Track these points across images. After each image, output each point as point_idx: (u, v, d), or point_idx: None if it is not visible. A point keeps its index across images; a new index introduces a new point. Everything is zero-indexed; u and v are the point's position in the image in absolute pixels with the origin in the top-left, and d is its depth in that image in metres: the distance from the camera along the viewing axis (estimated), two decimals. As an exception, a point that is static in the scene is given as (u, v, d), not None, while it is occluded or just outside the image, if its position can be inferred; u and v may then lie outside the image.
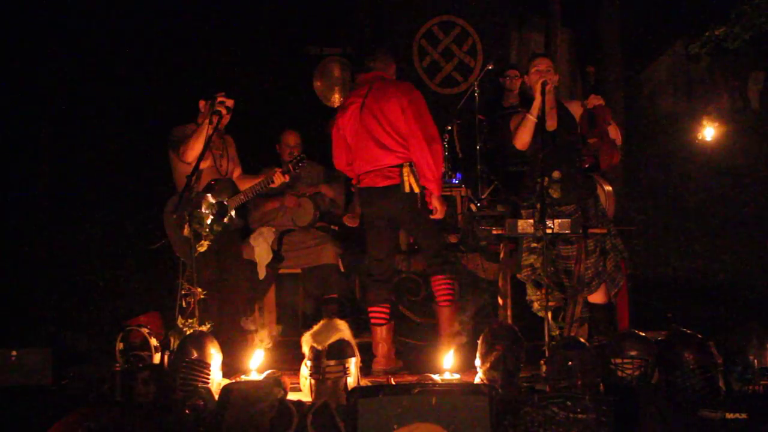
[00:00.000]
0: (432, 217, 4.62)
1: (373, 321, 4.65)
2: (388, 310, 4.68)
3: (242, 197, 4.74)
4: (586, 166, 4.46)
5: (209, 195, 4.60)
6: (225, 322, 4.61)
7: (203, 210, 4.50)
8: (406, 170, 4.52)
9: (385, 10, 7.58)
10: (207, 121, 4.43)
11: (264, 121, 6.84)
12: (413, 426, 3.06)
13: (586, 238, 4.38)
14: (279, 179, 4.84)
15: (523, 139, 4.40)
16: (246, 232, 5.35)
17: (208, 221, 4.45)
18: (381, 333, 4.63)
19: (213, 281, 4.59)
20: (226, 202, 4.65)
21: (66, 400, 3.77)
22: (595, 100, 4.38)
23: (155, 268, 5.95)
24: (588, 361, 3.58)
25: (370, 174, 4.61)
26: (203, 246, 4.39)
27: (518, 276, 4.53)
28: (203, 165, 4.58)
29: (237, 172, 4.93)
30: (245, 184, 4.83)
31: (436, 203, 4.58)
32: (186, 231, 4.27)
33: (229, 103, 4.59)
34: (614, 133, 4.45)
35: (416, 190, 4.53)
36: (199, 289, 4.25)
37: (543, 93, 4.27)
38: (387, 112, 4.54)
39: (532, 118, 4.33)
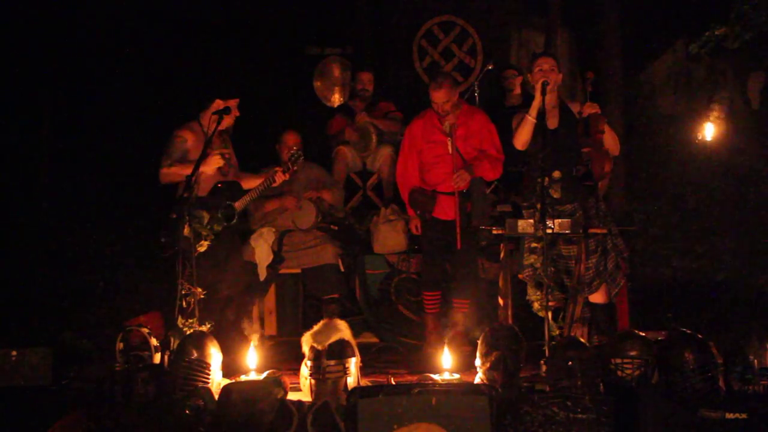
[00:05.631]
0: None
1: None
2: None
3: (248, 198, 4.77)
4: (579, 174, 4.46)
5: (216, 198, 4.62)
6: (227, 320, 4.60)
7: (214, 214, 4.50)
8: None
9: (385, 10, 7.59)
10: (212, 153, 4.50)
11: (264, 121, 6.83)
12: (413, 426, 3.06)
13: (587, 238, 4.37)
14: (280, 178, 4.89)
15: (521, 139, 4.42)
16: (246, 233, 5.35)
17: (207, 221, 4.44)
18: None
19: (215, 281, 4.59)
20: (234, 205, 4.67)
21: (66, 400, 3.76)
22: (590, 108, 4.37)
23: (155, 268, 5.93)
24: (588, 361, 3.59)
25: None
26: (203, 246, 4.39)
27: (519, 276, 4.53)
28: (210, 170, 4.62)
29: (234, 170, 4.92)
30: (245, 182, 4.86)
31: None
32: (186, 231, 4.26)
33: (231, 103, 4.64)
34: (610, 141, 4.43)
35: None
36: (199, 289, 4.25)
37: (543, 93, 4.27)
38: None
39: (531, 119, 4.34)
